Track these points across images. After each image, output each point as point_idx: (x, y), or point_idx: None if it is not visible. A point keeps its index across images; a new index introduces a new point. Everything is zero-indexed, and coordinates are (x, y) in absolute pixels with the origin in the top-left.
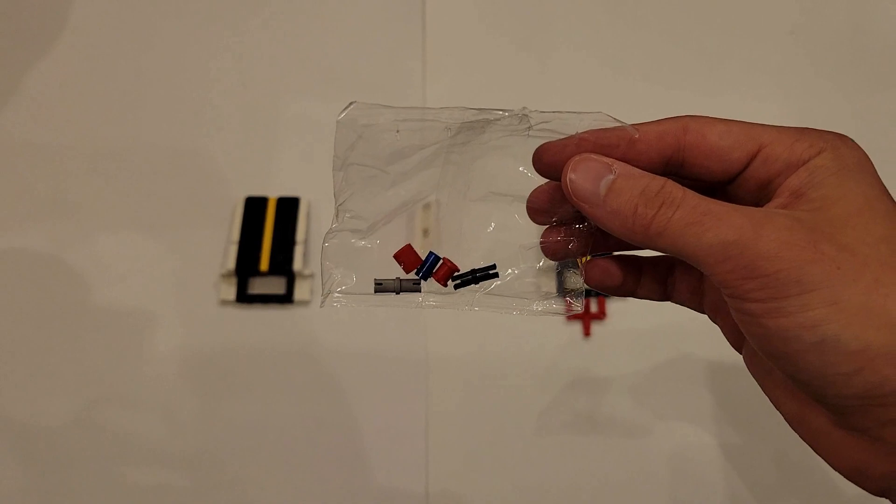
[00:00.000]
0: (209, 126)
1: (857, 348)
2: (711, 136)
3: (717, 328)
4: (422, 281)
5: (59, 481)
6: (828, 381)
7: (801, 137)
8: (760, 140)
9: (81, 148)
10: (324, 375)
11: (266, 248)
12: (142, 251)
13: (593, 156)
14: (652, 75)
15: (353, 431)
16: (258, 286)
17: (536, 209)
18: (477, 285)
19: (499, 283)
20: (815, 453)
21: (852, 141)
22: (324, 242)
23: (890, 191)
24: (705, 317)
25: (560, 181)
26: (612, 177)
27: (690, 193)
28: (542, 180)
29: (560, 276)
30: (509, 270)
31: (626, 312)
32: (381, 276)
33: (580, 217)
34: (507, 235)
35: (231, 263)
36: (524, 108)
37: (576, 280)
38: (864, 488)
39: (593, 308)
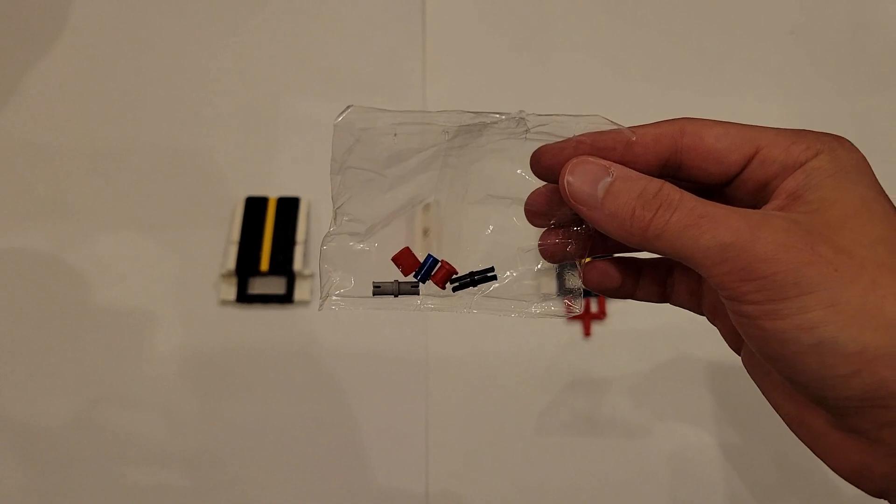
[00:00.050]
0: (209, 126)
1: (854, 350)
2: (708, 138)
3: (716, 329)
4: (420, 283)
5: (59, 481)
6: (826, 383)
7: (799, 140)
8: (758, 142)
9: (81, 148)
10: (324, 375)
11: (266, 248)
12: (142, 251)
13: (591, 158)
14: (652, 76)
15: (353, 431)
16: (258, 286)
17: (534, 212)
18: (475, 288)
19: (497, 285)
20: (814, 454)
21: (849, 143)
22: (322, 246)
23: (890, 192)
24: (705, 317)
25: (558, 184)
26: (609, 179)
27: (688, 196)
28: (540, 183)
29: (559, 278)
30: (508, 273)
31: (626, 313)
32: (380, 279)
33: (578, 219)
34: (505, 238)
35: (231, 263)
36: (521, 111)
37: (574, 282)
38: (863, 489)
39: (593, 308)
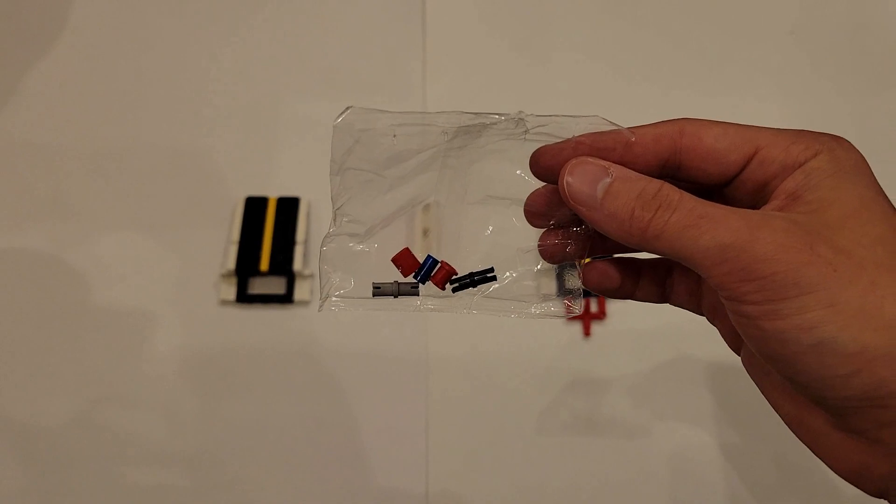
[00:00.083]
0: (209, 126)
1: (854, 350)
2: (708, 138)
3: (716, 329)
4: (420, 284)
5: (59, 481)
6: (825, 383)
7: (798, 140)
8: (757, 142)
9: (81, 148)
10: (324, 375)
11: (266, 248)
12: (142, 251)
13: (590, 159)
14: (652, 76)
15: (353, 431)
16: (258, 286)
17: (534, 212)
18: (475, 288)
19: (497, 286)
20: (814, 454)
21: (849, 143)
22: (322, 246)
23: (889, 192)
24: (705, 318)
25: (557, 184)
26: (608, 180)
27: (687, 196)
28: (540, 183)
29: (559, 278)
30: (507, 273)
31: (626, 313)
32: (380, 279)
33: (578, 220)
34: (504, 239)
35: (231, 263)
36: (520, 111)
37: (574, 282)
38: (862, 489)
39: (593, 308)
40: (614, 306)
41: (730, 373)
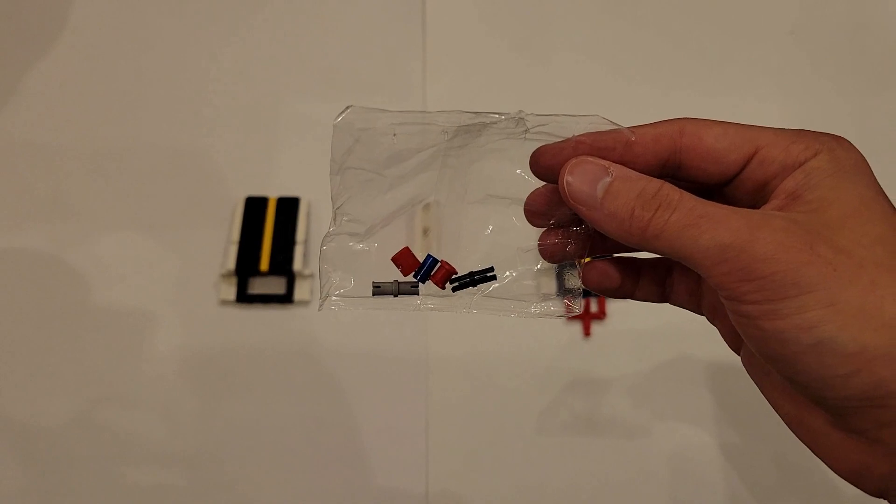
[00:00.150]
0: (209, 126)
1: (854, 350)
2: (708, 138)
3: (716, 329)
4: (420, 283)
5: (59, 481)
6: (825, 382)
7: (798, 139)
8: (757, 142)
9: (81, 148)
10: (324, 375)
11: (266, 248)
12: (142, 251)
13: (590, 158)
14: (652, 76)
15: (353, 431)
16: (258, 286)
17: (534, 212)
18: (475, 288)
19: (497, 285)
20: (814, 454)
21: (849, 143)
22: (322, 246)
23: (889, 192)
24: (705, 317)
25: (557, 184)
26: (608, 179)
27: (687, 196)
28: (540, 183)
29: (559, 278)
30: (507, 273)
31: (626, 313)
32: (380, 279)
33: (578, 220)
34: (504, 238)
35: (231, 263)
36: (520, 111)
37: (574, 282)
38: (862, 489)
39: (593, 308)
40: (614, 306)
41: (730, 373)
